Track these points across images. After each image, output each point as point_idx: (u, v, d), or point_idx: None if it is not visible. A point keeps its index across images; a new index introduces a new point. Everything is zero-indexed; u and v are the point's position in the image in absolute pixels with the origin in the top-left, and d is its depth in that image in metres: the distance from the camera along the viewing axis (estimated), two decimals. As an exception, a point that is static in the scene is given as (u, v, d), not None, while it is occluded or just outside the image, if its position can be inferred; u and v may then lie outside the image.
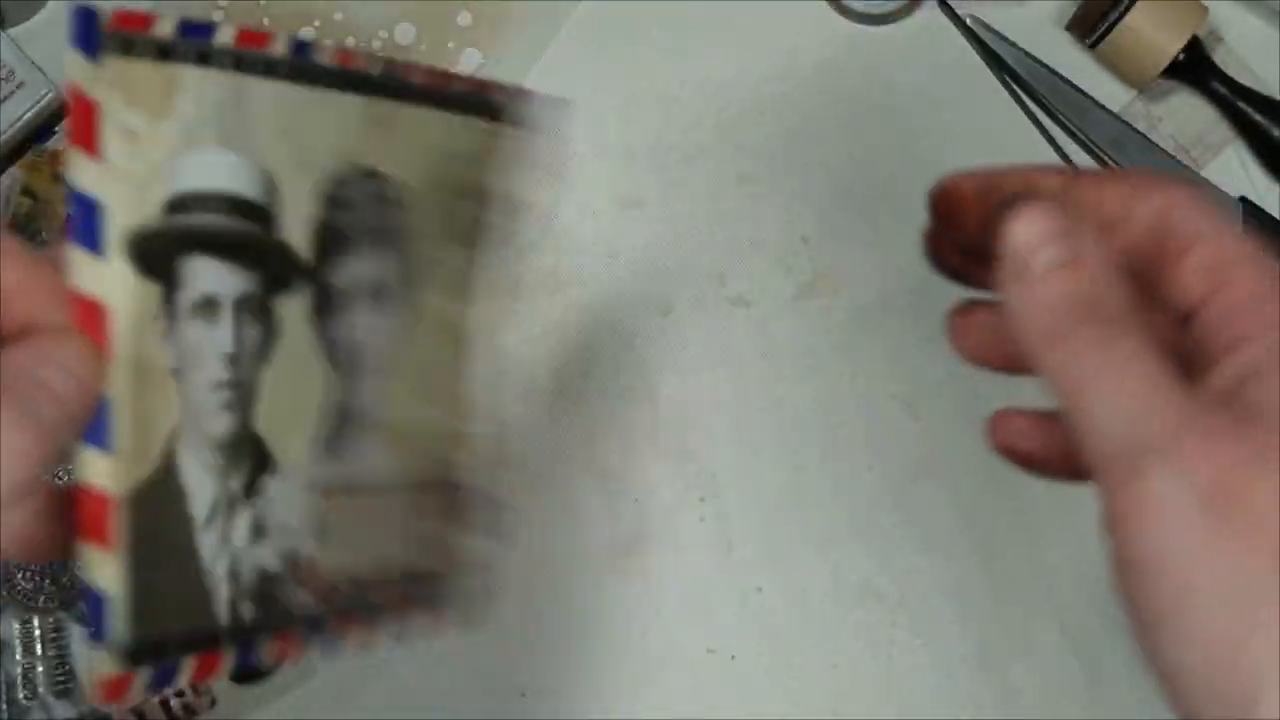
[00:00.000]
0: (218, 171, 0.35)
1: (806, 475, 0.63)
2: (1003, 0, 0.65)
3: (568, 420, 0.63)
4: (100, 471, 0.33)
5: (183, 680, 0.36)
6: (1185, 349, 0.36)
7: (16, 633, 0.61)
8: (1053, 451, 0.38)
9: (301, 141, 0.37)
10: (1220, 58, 0.64)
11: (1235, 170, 0.64)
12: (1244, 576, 0.32)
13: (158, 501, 0.35)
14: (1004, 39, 0.65)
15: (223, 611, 0.36)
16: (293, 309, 0.37)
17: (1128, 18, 0.62)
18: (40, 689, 0.61)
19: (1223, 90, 0.63)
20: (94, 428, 0.33)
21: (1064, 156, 0.65)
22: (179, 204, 0.35)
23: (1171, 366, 0.34)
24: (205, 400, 0.36)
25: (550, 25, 0.66)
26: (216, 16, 0.66)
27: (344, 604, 0.38)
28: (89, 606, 0.34)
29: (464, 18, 0.66)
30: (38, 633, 0.61)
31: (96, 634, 0.34)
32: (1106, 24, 0.63)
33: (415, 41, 0.65)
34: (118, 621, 0.35)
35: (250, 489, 0.37)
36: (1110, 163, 0.64)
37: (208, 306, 0.36)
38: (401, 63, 0.38)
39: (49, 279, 0.33)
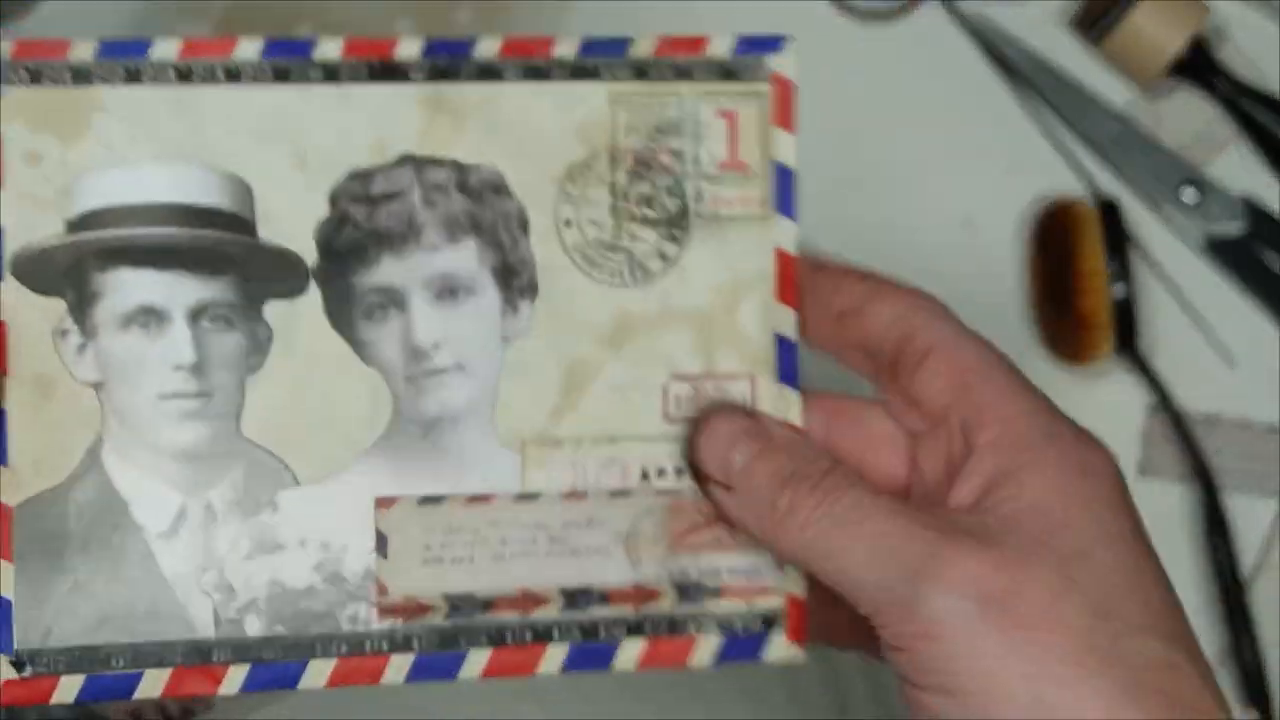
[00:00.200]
0: (149, 184, 0.35)
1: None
2: (1004, 0, 0.65)
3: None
4: None
5: (153, 690, 0.36)
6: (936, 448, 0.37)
7: (15, 634, 0.61)
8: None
9: (293, 142, 0.36)
10: (1223, 56, 0.64)
11: (1237, 169, 0.64)
12: (1037, 673, 0.32)
13: (73, 510, 0.35)
14: (1006, 37, 0.65)
15: (204, 623, 0.36)
16: (297, 314, 0.36)
17: (1130, 16, 0.62)
18: (38, 690, 0.60)
19: (1226, 89, 0.63)
20: None
21: (1066, 155, 0.64)
22: (88, 220, 0.35)
23: (901, 500, 0.35)
24: (153, 413, 0.36)
25: (550, 25, 0.65)
26: (213, 16, 0.65)
27: (449, 624, 0.38)
28: None
29: (463, 17, 0.65)
30: (36, 634, 0.61)
31: None
32: (1109, 22, 0.63)
33: (414, 41, 0.65)
34: (9, 629, 0.35)
35: (247, 500, 0.36)
36: (1112, 161, 0.64)
37: (146, 317, 0.36)
38: (469, 40, 0.37)
39: None
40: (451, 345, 0.37)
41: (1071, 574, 0.33)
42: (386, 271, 0.37)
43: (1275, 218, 0.63)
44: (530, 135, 0.37)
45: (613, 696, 0.62)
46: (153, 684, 0.36)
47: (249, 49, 0.36)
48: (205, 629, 0.36)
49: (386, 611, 0.38)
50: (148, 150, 0.36)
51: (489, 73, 0.37)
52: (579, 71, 0.38)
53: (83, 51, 0.36)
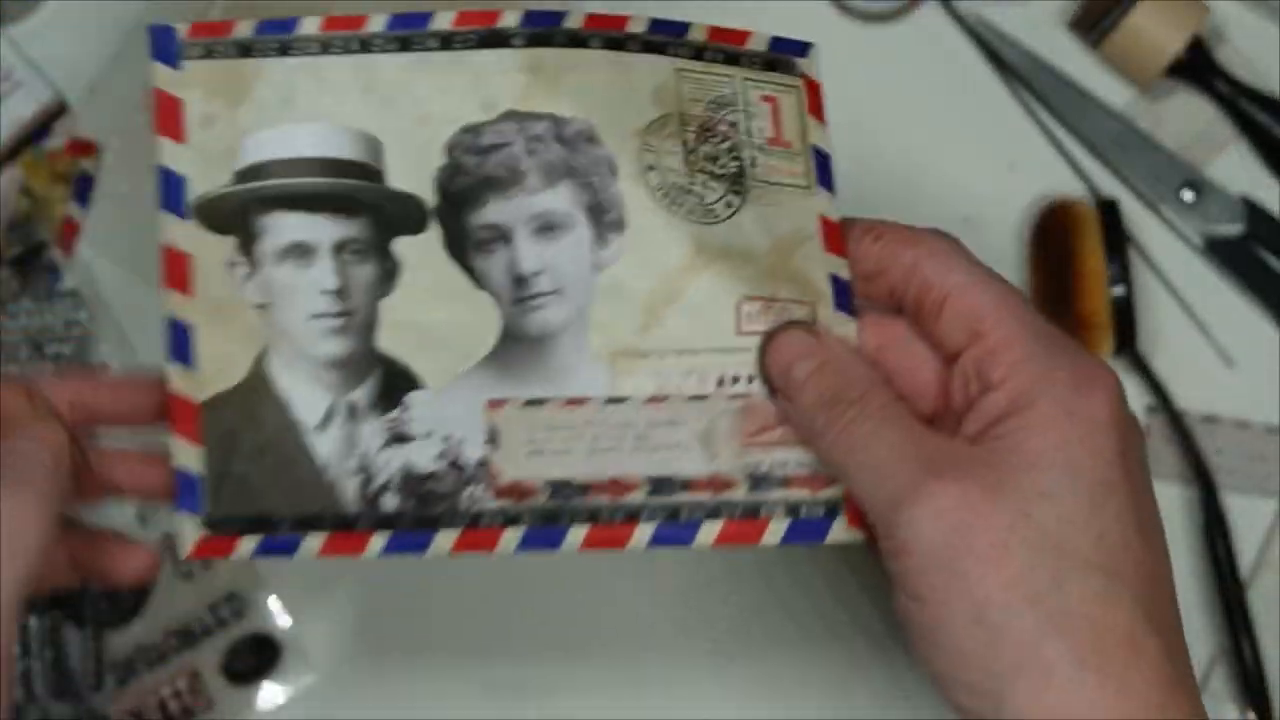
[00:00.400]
0: (298, 141, 0.42)
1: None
2: (1004, 0, 0.65)
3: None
4: (182, 382, 0.43)
5: (311, 550, 0.43)
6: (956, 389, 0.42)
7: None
8: None
9: (415, 102, 0.42)
10: (1222, 57, 0.64)
11: (1237, 169, 0.64)
12: (981, 598, 0.37)
13: (246, 407, 0.43)
14: (1005, 38, 0.65)
15: (350, 500, 0.43)
16: (420, 247, 0.43)
17: (1130, 17, 0.62)
18: (37, 690, 0.60)
19: (1225, 89, 0.63)
20: (178, 349, 0.43)
21: (1065, 155, 0.65)
22: (252, 172, 0.43)
23: (915, 424, 0.41)
24: (306, 329, 0.43)
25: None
26: (213, 15, 0.65)
27: (552, 504, 0.43)
28: (178, 487, 0.42)
29: (463, 17, 0.65)
30: (35, 634, 0.61)
31: (182, 507, 0.42)
32: (1108, 23, 0.63)
33: (414, 41, 0.65)
34: (201, 498, 0.42)
35: (382, 400, 0.43)
36: (1112, 162, 0.64)
37: (299, 251, 0.43)
38: (560, 12, 0.43)
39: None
40: (550, 273, 0.43)
41: (1031, 511, 0.38)
42: (494, 211, 0.43)
43: (1274, 218, 0.63)
44: (614, 95, 0.43)
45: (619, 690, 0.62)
46: (311, 545, 0.43)
47: (377, 22, 0.42)
48: (351, 505, 0.43)
49: (499, 493, 0.43)
50: (298, 111, 0.42)
51: (576, 40, 0.43)
52: (649, 46, 0.43)
53: (244, 29, 0.42)
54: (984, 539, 0.38)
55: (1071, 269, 0.61)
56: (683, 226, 0.43)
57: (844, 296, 0.44)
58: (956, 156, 0.65)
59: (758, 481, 0.44)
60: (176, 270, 0.44)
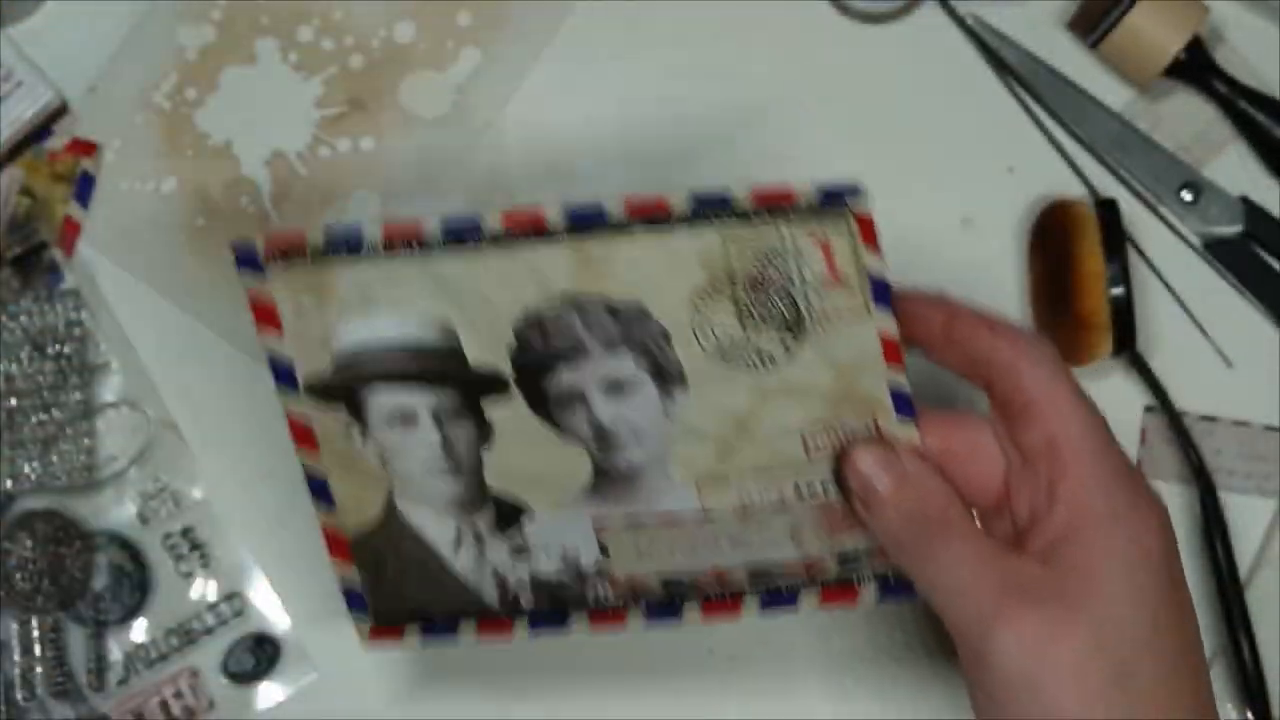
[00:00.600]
0: (384, 331, 0.47)
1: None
2: (1003, 0, 0.65)
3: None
4: (328, 519, 0.50)
5: (469, 634, 0.51)
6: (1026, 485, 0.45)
7: (15, 633, 0.61)
8: None
9: (479, 291, 0.46)
10: (1221, 57, 0.64)
11: (1236, 169, 0.64)
12: (1058, 715, 0.41)
13: (387, 537, 0.50)
14: (1004, 38, 0.65)
15: (492, 598, 0.51)
16: (508, 408, 0.48)
17: (1129, 17, 0.62)
18: (38, 690, 0.61)
19: (1224, 89, 0.63)
20: (318, 494, 0.50)
21: (1064, 156, 0.65)
22: (348, 357, 0.48)
23: (992, 546, 0.44)
24: (422, 477, 0.49)
25: (550, 25, 0.66)
26: (214, 17, 0.65)
27: (660, 594, 0.50)
28: (345, 596, 0.51)
29: (463, 17, 0.65)
30: (36, 634, 0.61)
31: (351, 609, 0.52)
32: (1107, 23, 0.63)
33: (414, 40, 0.65)
34: (365, 603, 0.51)
35: (501, 524, 0.50)
36: (1111, 162, 0.64)
37: (402, 418, 0.49)
38: (597, 203, 0.46)
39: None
40: (626, 423, 0.48)
41: (1101, 639, 0.42)
42: (566, 378, 0.48)
43: (1273, 218, 0.63)
44: (661, 269, 0.46)
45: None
46: (468, 630, 0.51)
47: (432, 226, 0.46)
48: (493, 604, 0.51)
49: (617, 587, 0.50)
50: (378, 305, 0.47)
51: (620, 228, 0.45)
52: (692, 220, 0.45)
53: (315, 238, 0.46)
54: (1064, 661, 0.41)
55: (1070, 269, 0.61)
56: (742, 377, 0.47)
57: (904, 404, 0.47)
58: (956, 157, 0.65)
59: (846, 559, 0.49)
60: (302, 433, 0.49)
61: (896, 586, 0.49)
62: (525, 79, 0.65)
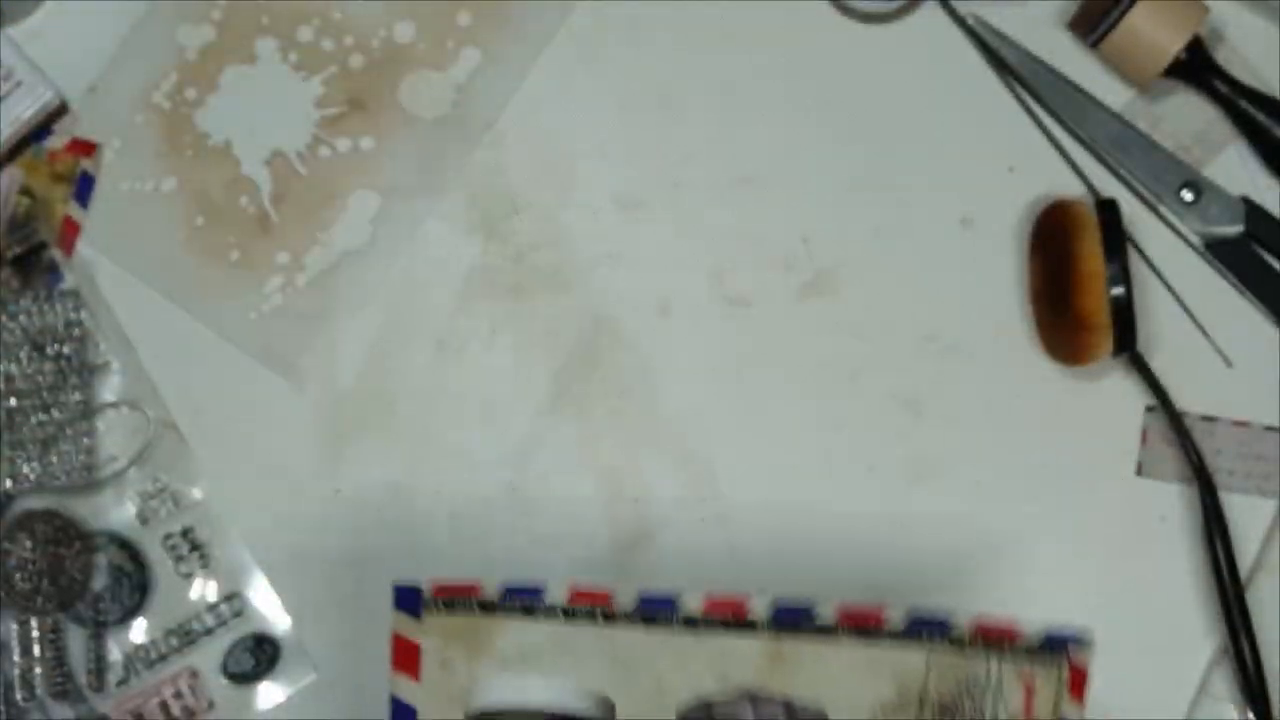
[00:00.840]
0: (533, 694, 0.45)
1: (806, 475, 0.63)
2: (1003, 0, 0.65)
3: (567, 420, 0.63)
4: None
5: None
6: None
7: (14, 634, 0.61)
8: None
9: (654, 672, 0.44)
10: (1221, 57, 0.64)
11: (1236, 169, 0.64)
12: None
13: None
14: (1005, 38, 0.65)
15: None
16: None
17: (1128, 17, 0.62)
18: (38, 690, 0.61)
19: (1224, 89, 0.63)
20: None
21: (1064, 156, 0.65)
22: (486, 716, 0.45)
23: None
24: None
25: (550, 25, 0.66)
26: (214, 17, 0.65)
27: None
28: None
29: (464, 17, 0.65)
30: (35, 634, 0.61)
31: None
32: (1107, 23, 0.63)
33: (414, 40, 0.65)
34: None
35: None
36: (1111, 162, 0.64)
37: None
38: (811, 606, 0.45)
39: None
40: None
41: None
42: None
43: (1273, 218, 0.63)
44: (853, 680, 0.44)
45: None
46: None
47: (625, 599, 0.45)
48: None
49: None
50: (540, 669, 0.45)
51: (825, 632, 0.44)
52: (903, 638, 0.45)
53: (490, 592, 0.46)
54: None
55: (1071, 269, 0.61)
56: None
57: None
58: (956, 157, 0.65)
59: None
60: None
61: None
62: (525, 79, 0.65)
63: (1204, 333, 0.64)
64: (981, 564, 0.62)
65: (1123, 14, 0.62)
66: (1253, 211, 0.63)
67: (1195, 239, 0.64)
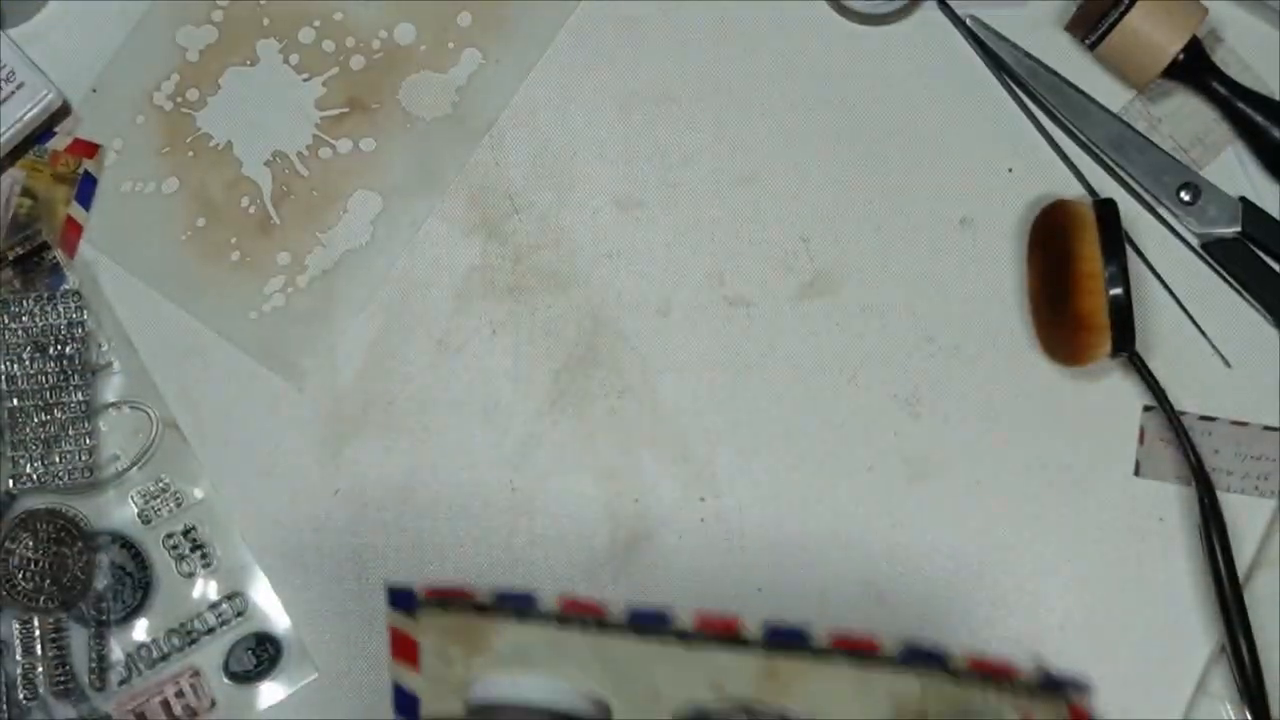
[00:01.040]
0: (529, 691, 0.45)
1: (806, 475, 0.63)
2: (1002, 0, 0.65)
3: (568, 420, 0.63)
4: None
5: None
6: None
7: (16, 633, 0.61)
8: None
9: (648, 680, 0.44)
10: (1220, 58, 0.64)
11: (1235, 170, 0.64)
12: None
13: None
14: (1004, 39, 0.65)
15: None
16: None
17: (1127, 18, 0.62)
18: (40, 689, 0.61)
19: (1222, 90, 0.63)
20: None
21: (1063, 156, 0.65)
22: (483, 709, 0.46)
23: None
24: None
25: (550, 25, 0.66)
26: (215, 18, 0.66)
27: None
28: None
29: (464, 18, 0.66)
30: (37, 633, 0.61)
31: None
32: (1106, 24, 0.63)
33: (415, 41, 0.65)
34: None
35: None
36: (1110, 163, 0.64)
37: None
38: (804, 630, 0.45)
39: None
40: None
41: None
42: None
43: (1271, 219, 0.63)
44: (849, 699, 0.44)
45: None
46: None
47: (616, 613, 0.45)
48: None
49: None
50: (534, 668, 0.45)
51: (819, 653, 0.44)
52: (898, 665, 0.45)
53: (483, 597, 0.46)
54: None
55: (1069, 269, 0.61)
56: None
57: None
58: (956, 157, 0.65)
59: None
60: None
61: None
62: (525, 79, 0.65)
63: (1202, 333, 0.64)
64: (980, 564, 0.62)
65: (1121, 15, 0.62)
66: (1251, 212, 0.63)
67: (1193, 239, 0.64)
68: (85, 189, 0.64)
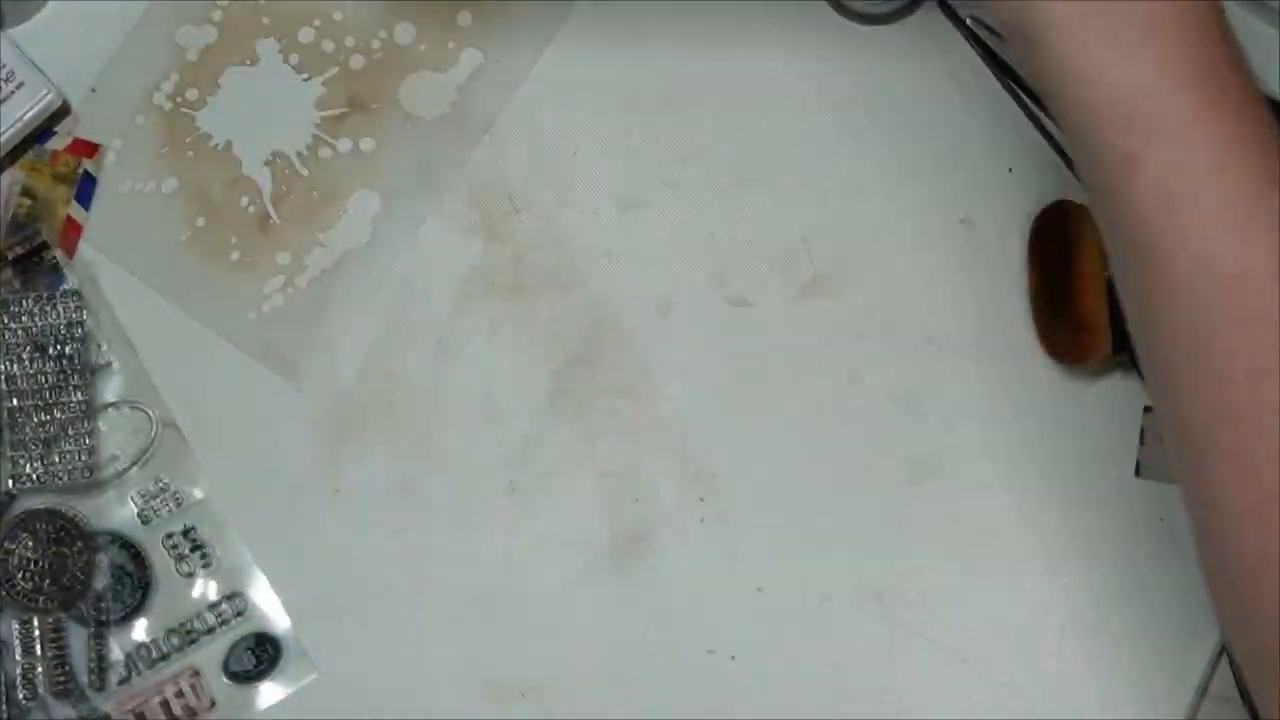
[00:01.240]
0: None
1: (806, 475, 0.63)
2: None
3: (567, 420, 0.63)
4: None
5: None
6: None
7: (16, 633, 0.61)
8: None
9: None
10: (1221, 57, 0.64)
11: (1236, 170, 0.64)
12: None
13: None
14: (1004, 39, 0.65)
15: None
16: None
17: (1128, 17, 0.62)
18: (40, 689, 0.61)
19: (1224, 90, 0.63)
20: None
21: (1064, 157, 0.65)
22: None
23: None
24: None
25: (550, 25, 0.66)
26: (215, 18, 0.66)
27: None
28: None
29: (464, 18, 0.66)
30: (37, 633, 0.61)
31: None
32: (1107, 23, 0.63)
33: (415, 41, 0.65)
34: None
35: None
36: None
37: None
38: None
39: None
40: None
41: None
42: None
43: (1273, 218, 0.63)
44: None
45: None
46: None
47: None
48: None
49: None
50: None
51: None
52: None
53: None
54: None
55: (1070, 269, 0.61)
56: None
57: None
58: (955, 157, 0.65)
59: None
60: None
61: None
62: (525, 79, 0.65)
63: (1204, 333, 0.64)
64: (980, 564, 0.62)
65: (1122, 14, 0.62)
66: (1252, 212, 0.63)
67: None
68: (85, 189, 0.64)
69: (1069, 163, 0.64)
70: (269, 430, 0.63)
